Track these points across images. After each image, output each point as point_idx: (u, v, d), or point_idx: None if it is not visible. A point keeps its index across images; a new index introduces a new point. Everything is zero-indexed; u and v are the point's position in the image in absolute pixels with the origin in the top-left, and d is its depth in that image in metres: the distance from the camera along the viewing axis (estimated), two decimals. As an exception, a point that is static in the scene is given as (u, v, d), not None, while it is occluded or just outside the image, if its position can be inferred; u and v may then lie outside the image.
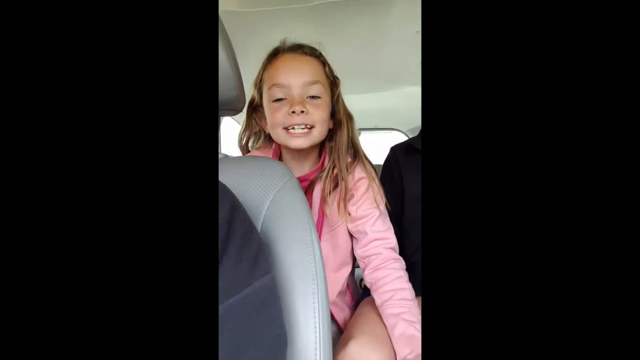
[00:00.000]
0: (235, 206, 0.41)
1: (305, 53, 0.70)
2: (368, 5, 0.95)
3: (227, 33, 0.51)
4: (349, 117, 0.75)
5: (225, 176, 0.51)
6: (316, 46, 0.71)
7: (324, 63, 0.71)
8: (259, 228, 0.47)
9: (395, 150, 1.02)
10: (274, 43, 1.10)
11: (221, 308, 0.33)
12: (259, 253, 0.39)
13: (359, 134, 1.74)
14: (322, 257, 0.45)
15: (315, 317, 0.40)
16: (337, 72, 0.78)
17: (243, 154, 0.79)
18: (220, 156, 0.58)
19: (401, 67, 1.26)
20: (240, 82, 0.55)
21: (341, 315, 0.77)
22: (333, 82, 0.73)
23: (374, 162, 0.83)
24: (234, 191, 0.50)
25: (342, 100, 0.74)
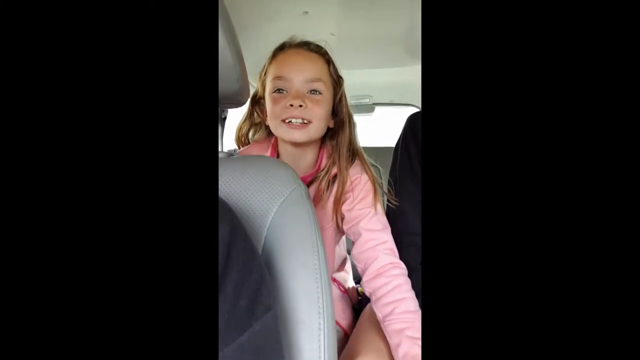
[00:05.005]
0: (235, 229, 0.36)
1: (311, 50, 0.70)
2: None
3: (228, 14, 0.43)
4: (351, 118, 0.74)
5: (226, 180, 0.46)
6: (322, 44, 0.71)
7: (329, 62, 0.71)
8: (260, 245, 0.43)
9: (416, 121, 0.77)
10: (279, 16, 0.99)
11: None
12: (261, 285, 0.35)
13: (373, 109, 1.64)
14: (329, 284, 0.41)
15: (320, 357, 0.37)
16: (350, 45, 0.71)
17: (239, 147, 0.79)
18: (221, 155, 0.53)
19: (419, 40, 1.14)
20: (244, 73, 0.48)
21: (344, 322, 0.75)
22: (336, 82, 0.72)
23: (389, 144, 0.75)
24: (234, 199, 0.45)
25: (346, 100, 0.73)
